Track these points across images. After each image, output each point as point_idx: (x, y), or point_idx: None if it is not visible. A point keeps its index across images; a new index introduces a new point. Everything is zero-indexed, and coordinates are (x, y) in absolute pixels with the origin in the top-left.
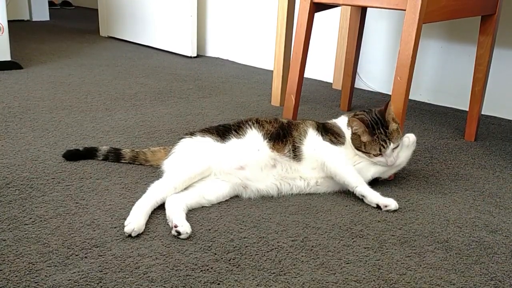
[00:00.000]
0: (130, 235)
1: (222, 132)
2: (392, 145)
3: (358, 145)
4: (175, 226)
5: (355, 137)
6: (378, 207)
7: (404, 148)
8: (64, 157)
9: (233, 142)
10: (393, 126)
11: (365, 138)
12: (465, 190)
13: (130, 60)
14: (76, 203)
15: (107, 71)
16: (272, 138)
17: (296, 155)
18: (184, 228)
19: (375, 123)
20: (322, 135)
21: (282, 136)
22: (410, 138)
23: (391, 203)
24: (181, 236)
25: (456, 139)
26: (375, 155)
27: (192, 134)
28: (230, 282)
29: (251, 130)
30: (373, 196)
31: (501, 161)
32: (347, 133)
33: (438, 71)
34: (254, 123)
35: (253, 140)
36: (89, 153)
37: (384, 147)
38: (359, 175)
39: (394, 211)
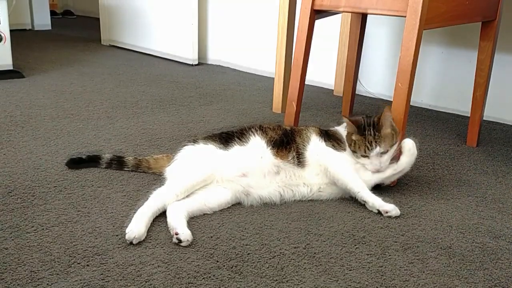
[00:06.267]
0: (131, 243)
1: (225, 139)
2: (378, 149)
3: (349, 143)
4: (176, 234)
5: (348, 136)
6: (379, 213)
7: (405, 153)
8: (67, 165)
9: (236, 149)
10: (386, 130)
11: (355, 136)
12: (467, 196)
13: (131, 68)
14: (78, 211)
15: (109, 79)
16: (276, 145)
17: (300, 161)
18: (185, 235)
19: (368, 124)
20: (325, 141)
21: (286, 143)
22: (410, 144)
23: (392, 209)
24: (182, 244)
25: (458, 144)
26: (362, 156)
27: (194, 141)
28: None
29: (254, 137)
30: (375, 202)
31: (504, 167)
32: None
33: (439, 76)
34: (257, 130)
35: (256, 147)
36: (92, 161)
37: (369, 149)
38: (362, 181)
39: (396, 217)
